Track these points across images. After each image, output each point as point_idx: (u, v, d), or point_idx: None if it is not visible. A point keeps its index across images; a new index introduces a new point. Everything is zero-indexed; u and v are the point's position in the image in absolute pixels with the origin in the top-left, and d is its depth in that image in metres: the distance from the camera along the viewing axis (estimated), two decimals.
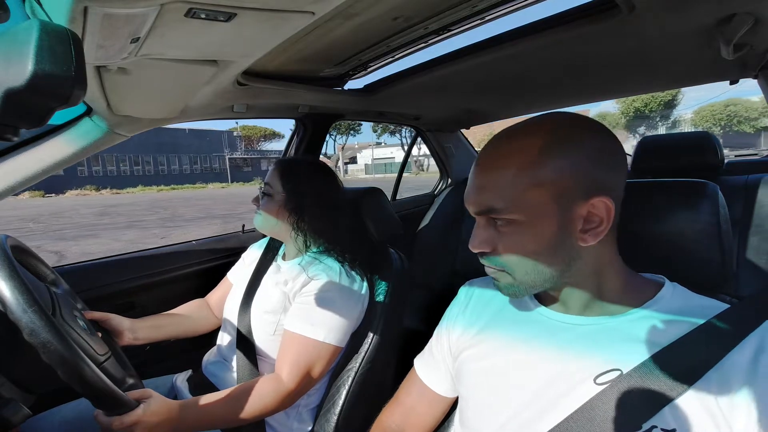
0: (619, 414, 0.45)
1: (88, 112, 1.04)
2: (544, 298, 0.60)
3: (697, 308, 0.50)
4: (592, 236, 0.49)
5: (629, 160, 1.66)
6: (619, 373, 0.47)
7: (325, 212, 1.00)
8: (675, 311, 0.50)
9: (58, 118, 1.01)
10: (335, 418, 0.94)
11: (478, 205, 0.52)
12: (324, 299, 0.92)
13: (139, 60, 0.71)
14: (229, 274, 1.20)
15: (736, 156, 1.95)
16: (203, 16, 0.58)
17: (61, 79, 0.38)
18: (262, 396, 0.84)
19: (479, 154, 0.54)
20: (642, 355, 0.47)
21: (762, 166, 1.82)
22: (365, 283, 1.00)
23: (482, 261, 0.55)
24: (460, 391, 0.64)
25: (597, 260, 0.52)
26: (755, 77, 1.23)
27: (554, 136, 0.49)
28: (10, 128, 0.40)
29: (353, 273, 0.98)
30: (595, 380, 0.48)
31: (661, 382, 0.44)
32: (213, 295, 1.19)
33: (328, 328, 0.89)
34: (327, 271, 0.95)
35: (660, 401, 0.44)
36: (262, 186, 1.05)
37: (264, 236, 1.15)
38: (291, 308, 0.93)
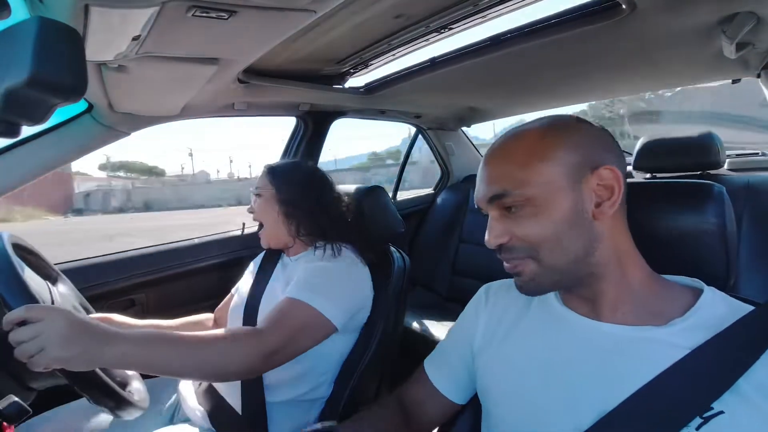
0: (659, 415, 0.44)
1: (89, 109, 1.05)
2: (574, 303, 0.55)
3: (740, 313, 0.47)
4: (607, 207, 0.49)
5: (630, 159, 1.65)
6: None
7: (318, 204, 1.00)
8: (719, 318, 0.47)
9: (58, 115, 1.01)
10: (338, 416, 0.94)
11: (489, 193, 0.53)
12: (321, 270, 0.90)
13: (140, 58, 0.71)
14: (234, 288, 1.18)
15: (737, 155, 1.94)
16: (204, 14, 0.58)
17: (62, 76, 0.38)
18: (234, 342, 0.74)
19: (486, 153, 0.56)
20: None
21: (764, 165, 1.81)
22: (368, 271, 0.98)
23: (502, 255, 0.54)
24: (487, 394, 0.61)
25: (616, 246, 0.51)
26: (758, 76, 1.22)
27: (553, 126, 0.53)
28: (12, 125, 0.40)
29: (356, 260, 0.97)
30: None
31: (704, 380, 0.43)
32: (220, 310, 1.17)
33: (319, 295, 0.84)
34: (329, 257, 0.94)
35: (702, 401, 0.43)
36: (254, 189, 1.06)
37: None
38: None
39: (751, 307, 0.48)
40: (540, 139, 0.51)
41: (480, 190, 0.55)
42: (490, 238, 0.53)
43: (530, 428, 0.52)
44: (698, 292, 0.50)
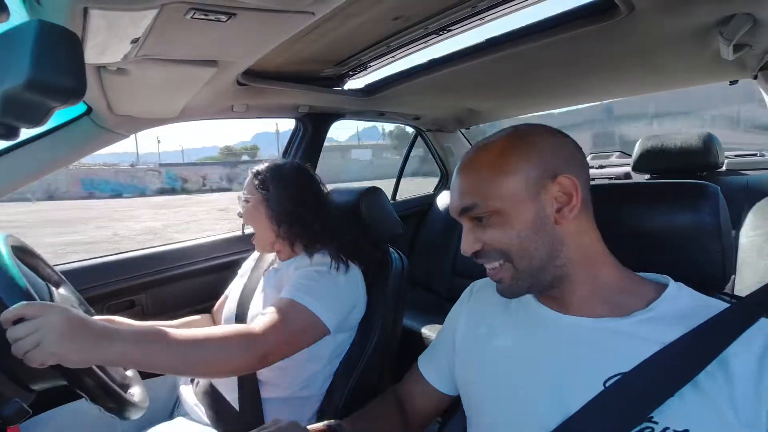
0: (621, 409, 0.45)
1: (88, 111, 1.05)
2: (547, 300, 0.59)
3: (704, 308, 0.49)
4: (567, 211, 0.53)
5: (629, 159, 1.66)
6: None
7: (307, 207, 0.98)
8: (681, 312, 0.49)
9: (57, 117, 1.01)
10: (337, 413, 0.94)
11: (459, 206, 0.57)
12: (315, 273, 0.90)
13: (139, 60, 0.71)
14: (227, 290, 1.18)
15: (736, 156, 1.96)
16: (203, 16, 0.58)
17: (60, 79, 0.38)
18: (231, 342, 0.74)
19: (458, 165, 0.60)
20: (647, 354, 0.47)
21: (762, 166, 1.82)
22: (360, 274, 0.98)
23: (480, 261, 0.58)
24: (466, 388, 0.64)
25: (582, 247, 0.54)
26: (755, 78, 1.23)
27: (514, 137, 0.57)
28: (11, 128, 0.41)
29: (349, 264, 0.97)
30: (605, 384, 0.48)
31: (661, 377, 0.45)
32: (217, 312, 1.17)
33: (316, 298, 0.85)
34: (321, 261, 0.94)
35: (661, 396, 0.44)
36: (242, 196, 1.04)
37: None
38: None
39: (719, 302, 0.50)
40: (503, 153, 0.55)
41: (452, 202, 0.59)
42: (465, 247, 0.57)
43: (503, 420, 0.56)
44: (663, 287, 0.53)
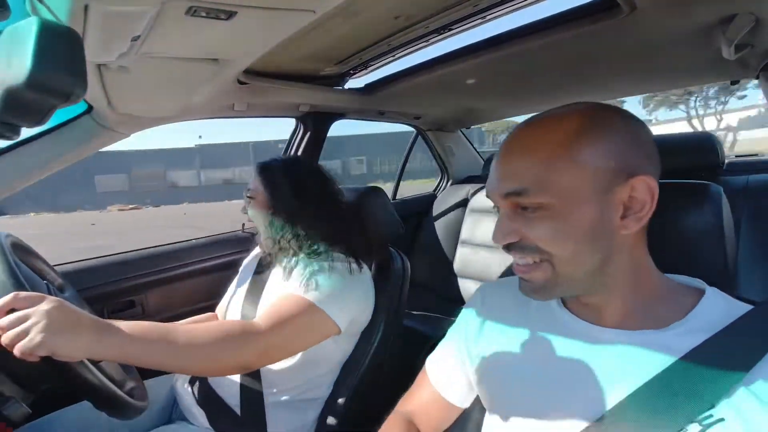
0: (654, 419, 0.43)
1: (89, 110, 1.04)
2: (572, 306, 0.53)
3: (741, 314, 0.46)
4: (634, 221, 0.45)
5: None
6: None
7: (314, 206, 0.95)
8: (720, 321, 0.45)
9: (58, 116, 1.01)
10: (338, 417, 0.94)
11: (505, 188, 0.47)
12: (325, 270, 0.87)
13: (140, 58, 0.71)
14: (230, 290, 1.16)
15: (737, 156, 1.95)
16: (204, 14, 0.58)
17: (61, 77, 0.38)
18: (231, 338, 0.72)
19: (504, 142, 0.50)
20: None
21: (763, 166, 1.81)
22: (369, 273, 0.96)
23: (512, 253, 0.49)
24: (486, 402, 0.60)
25: (635, 258, 0.48)
26: (756, 78, 1.23)
27: (588, 119, 0.46)
28: (11, 127, 0.40)
29: (359, 266, 0.94)
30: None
31: (701, 384, 0.43)
32: (221, 309, 1.14)
33: (323, 294, 0.82)
34: (332, 262, 0.90)
35: (702, 402, 0.41)
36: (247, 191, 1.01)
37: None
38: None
39: (750, 308, 0.47)
40: (573, 136, 0.44)
41: (494, 182, 0.49)
42: (499, 236, 0.48)
43: None
44: (700, 293, 0.48)
